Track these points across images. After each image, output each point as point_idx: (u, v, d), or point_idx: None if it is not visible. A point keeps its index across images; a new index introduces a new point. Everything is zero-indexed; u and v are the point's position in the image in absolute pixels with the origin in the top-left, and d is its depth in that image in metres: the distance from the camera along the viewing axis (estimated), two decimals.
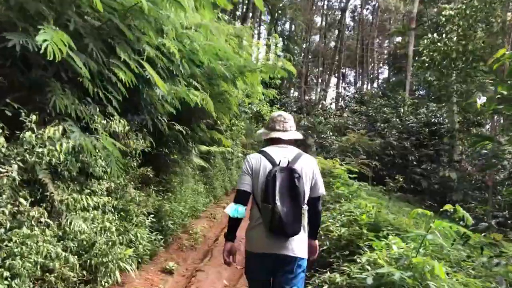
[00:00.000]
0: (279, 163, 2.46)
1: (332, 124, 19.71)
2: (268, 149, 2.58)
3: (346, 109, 22.80)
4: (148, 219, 4.83)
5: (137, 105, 4.91)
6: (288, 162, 2.47)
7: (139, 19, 4.05)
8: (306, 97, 36.66)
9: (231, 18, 16.30)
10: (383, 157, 17.54)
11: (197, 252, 5.99)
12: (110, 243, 3.71)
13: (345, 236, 4.11)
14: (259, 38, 31.03)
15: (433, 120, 19.25)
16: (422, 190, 17.45)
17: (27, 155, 3.01)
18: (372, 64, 45.54)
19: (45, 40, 2.80)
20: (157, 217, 5.28)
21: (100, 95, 3.87)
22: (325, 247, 4.12)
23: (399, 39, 35.65)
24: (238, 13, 25.67)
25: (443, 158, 19.30)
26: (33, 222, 2.98)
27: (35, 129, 3.08)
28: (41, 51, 2.81)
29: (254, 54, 11.93)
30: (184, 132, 5.56)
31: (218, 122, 10.50)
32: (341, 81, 43.63)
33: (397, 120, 19.29)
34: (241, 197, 2.50)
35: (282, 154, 2.51)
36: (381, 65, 46.36)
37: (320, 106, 26.02)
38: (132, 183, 4.84)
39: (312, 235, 2.67)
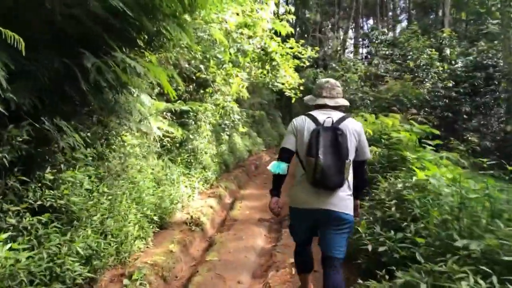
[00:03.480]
0: (324, 123, 2.50)
1: (362, 72, 15.57)
2: (314, 112, 2.63)
3: (376, 55, 18.51)
4: None
5: None
6: (332, 122, 2.50)
7: None
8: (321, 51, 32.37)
9: None
10: (427, 110, 13.73)
11: None
12: None
13: None
14: None
15: (485, 62, 15.33)
16: (481, 150, 13.67)
17: None
18: (397, 10, 40.55)
19: None
20: None
21: None
22: None
23: None
24: None
25: (497, 109, 15.57)
26: None
27: None
28: None
29: None
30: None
31: (202, 67, 6.95)
32: (359, 32, 38.96)
33: (442, 63, 15.28)
34: (283, 155, 2.58)
35: (327, 116, 2.55)
36: (399, 12, 41.05)
37: (339, 56, 21.98)
38: None
39: (355, 196, 2.66)
